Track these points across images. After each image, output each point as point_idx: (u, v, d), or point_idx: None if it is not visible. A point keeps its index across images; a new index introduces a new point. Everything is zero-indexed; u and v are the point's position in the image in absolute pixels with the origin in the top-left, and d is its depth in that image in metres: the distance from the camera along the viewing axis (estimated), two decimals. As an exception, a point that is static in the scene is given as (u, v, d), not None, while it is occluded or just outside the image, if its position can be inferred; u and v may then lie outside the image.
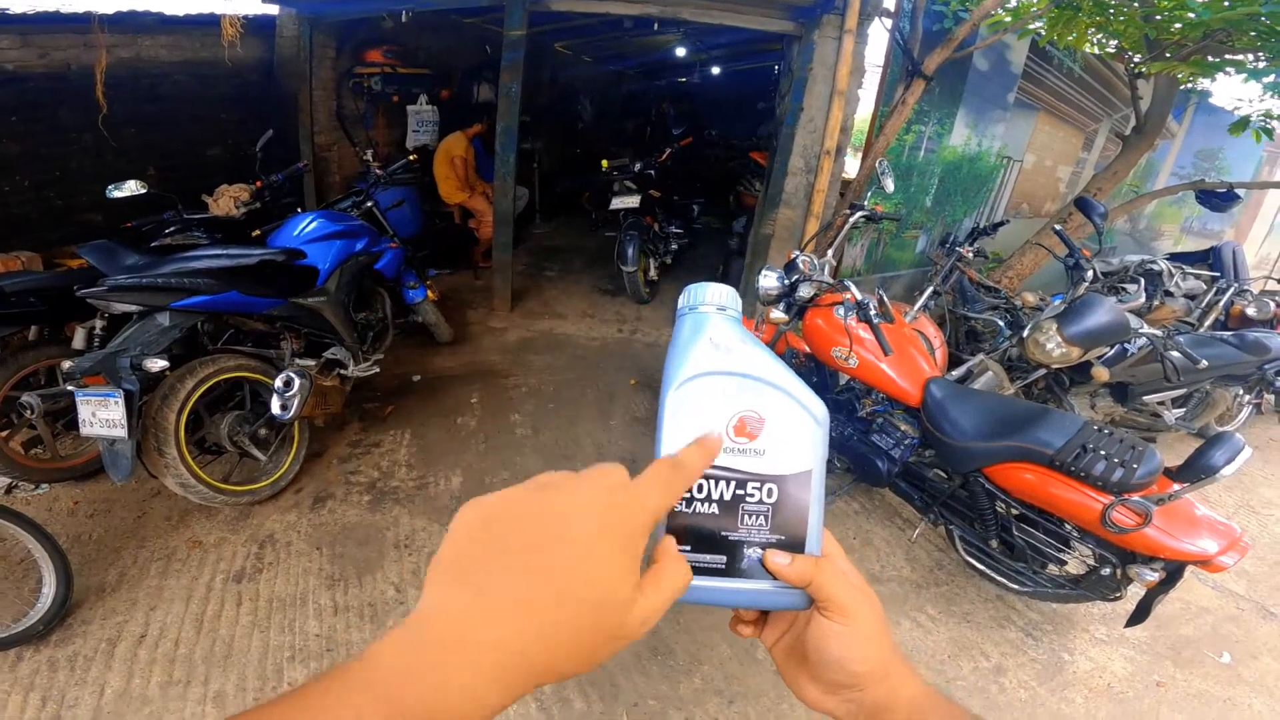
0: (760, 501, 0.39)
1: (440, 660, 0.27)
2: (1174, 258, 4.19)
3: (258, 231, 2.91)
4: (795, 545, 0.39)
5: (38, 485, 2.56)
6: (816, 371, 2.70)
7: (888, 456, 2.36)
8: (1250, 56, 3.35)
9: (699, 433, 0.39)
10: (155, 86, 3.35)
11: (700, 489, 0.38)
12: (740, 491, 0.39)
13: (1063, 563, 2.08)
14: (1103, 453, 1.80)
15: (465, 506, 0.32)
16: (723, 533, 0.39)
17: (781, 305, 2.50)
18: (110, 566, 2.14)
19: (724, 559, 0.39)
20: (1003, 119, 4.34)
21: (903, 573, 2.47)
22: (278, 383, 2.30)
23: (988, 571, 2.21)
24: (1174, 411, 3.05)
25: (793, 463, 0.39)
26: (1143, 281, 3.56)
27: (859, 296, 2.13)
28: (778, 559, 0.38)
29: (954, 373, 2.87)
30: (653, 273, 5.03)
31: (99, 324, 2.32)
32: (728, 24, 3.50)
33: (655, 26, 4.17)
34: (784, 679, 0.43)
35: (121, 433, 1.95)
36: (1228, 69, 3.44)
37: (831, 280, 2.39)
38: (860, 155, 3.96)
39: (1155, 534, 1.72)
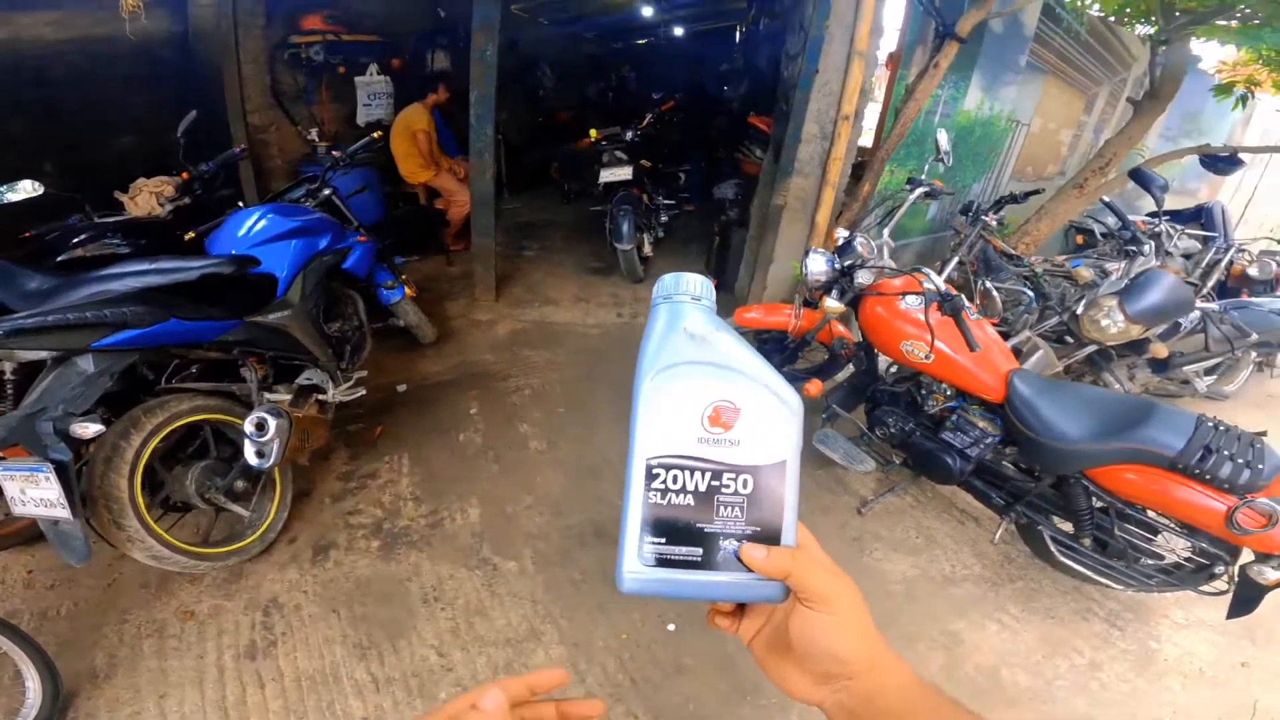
0: (735, 493, 0.38)
1: None
2: (1170, 216, 4.16)
3: (192, 234, 2.37)
4: (771, 537, 0.38)
5: (-23, 557, 2.06)
6: (866, 359, 2.48)
7: (961, 454, 2.17)
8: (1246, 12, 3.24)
9: (674, 422, 0.38)
10: (42, 70, 2.67)
11: (675, 480, 0.38)
12: (715, 483, 0.38)
13: (1161, 557, 1.96)
14: (1227, 454, 1.65)
15: None
16: (698, 525, 0.38)
17: (834, 292, 2.27)
18: (94, 647, 1.79)
19: (700, 552, 0.38)
20: (1014, 82, 4.18)
21: (975, 570, 2.32)
22: (248, 426, 1.85)
23: (1084, 571, 2.07)
24: (1205, 379, 3.01)
25: (768, 453, 0.38)
26: (1153, 244, 3.49)
27: (941, 288, 1.89)
28: (754, 552, 0.38)
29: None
30: (647, 248, 4.66)
31: (8, 369, 1.81)
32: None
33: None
34: (766, 673, 0.42)
35: (64, 512, 1.51)
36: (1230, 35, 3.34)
37: (898, 267, 2.14)
38: (876, 122, 3.70)
39: (1282, 534, 1.60)
